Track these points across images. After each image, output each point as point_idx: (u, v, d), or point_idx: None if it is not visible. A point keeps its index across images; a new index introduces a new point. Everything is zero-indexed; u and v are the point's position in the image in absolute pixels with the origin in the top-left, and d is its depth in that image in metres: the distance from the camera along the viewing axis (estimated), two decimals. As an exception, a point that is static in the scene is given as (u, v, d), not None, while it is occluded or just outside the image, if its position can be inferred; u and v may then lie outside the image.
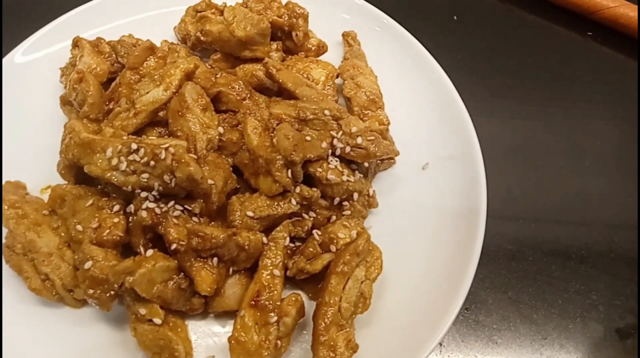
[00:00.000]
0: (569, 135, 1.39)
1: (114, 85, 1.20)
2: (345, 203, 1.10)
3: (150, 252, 0.98)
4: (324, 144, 1.07)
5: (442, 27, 1.56)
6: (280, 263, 1.02)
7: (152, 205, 1.00)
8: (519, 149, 1.36)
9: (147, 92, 1.13)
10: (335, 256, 1.01)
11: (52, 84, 1.30)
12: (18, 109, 1.27)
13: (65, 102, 1.23)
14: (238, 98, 1.19)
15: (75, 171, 1.13)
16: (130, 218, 1.05)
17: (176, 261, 0.99)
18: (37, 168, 1.19)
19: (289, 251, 1.06)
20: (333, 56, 1.37)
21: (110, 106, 1.18)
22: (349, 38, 1.37)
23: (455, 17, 1.59)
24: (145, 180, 0.99)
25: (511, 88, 1.46)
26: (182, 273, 0.99)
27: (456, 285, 1.04)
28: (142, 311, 0.95)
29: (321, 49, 1.35)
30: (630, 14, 1.47)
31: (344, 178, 1.08)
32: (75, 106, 1.18)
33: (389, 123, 1.23)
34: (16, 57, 1.31)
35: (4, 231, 1.07)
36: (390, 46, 1.37)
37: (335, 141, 1.10)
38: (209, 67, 1.29)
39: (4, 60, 1.28)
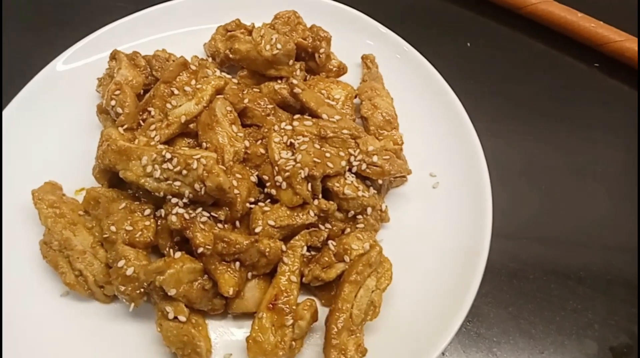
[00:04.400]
0: (574, 159, 1.46)
1: (148, 97, 1.28)
2: (359, 216, 1.18)
3: (178, 254, 1.06)
4: (343, 162, 1.15)
5: (456, 52, 1.64)
6: (297, 270, 1.09)
7: (181, 211, 1.08)
8: (525, 170, 1.43)
9: (180, 105, 1.22)
10: (348, 266, 1.09)
11: (89, 93, 1.39)
12: (55, 115, 1.36)
13: (101, 110, 1.31)
14: (263, 114, 1.28)
15: (110, 176, 1.21)
16: (159, 221, 1.14)
17: (201, 264, 1.07)
18: (72, 171, 1.28)
19: (305, 260, 1.14)
20: (352, 77, 1.46)
21: (144, 117, 1.26)
22: (367, 61, 1.45)
23: (468, 44, 1.67)
24: (177, 187, 1.08)
25: (519, 113, 1.54)
26: (206, 275, 1.07)
27: (460, 298, 1.10)
28: (168, 309, 1.03)
29: (341, 70, 1.43)
30: (634, 48, 1.55)
31: (360, 193, 1.15)
32: (111, 115, 1.27)
33: (402, 143, 1.31)
34: (57, 65, 1.40)
35: (42, 229, 1.15)
36: (406, 70, 1.45)
37: (352, 159, 1.18)
38: (236, 83, 1.37)
39: (46, 67, 1.38)
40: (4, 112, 1.31)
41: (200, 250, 1.05)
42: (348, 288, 1.04)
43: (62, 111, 1.37)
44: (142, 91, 1.34)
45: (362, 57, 1.46)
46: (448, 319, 1.08)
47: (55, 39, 1.50)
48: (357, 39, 1.50)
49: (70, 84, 1.39)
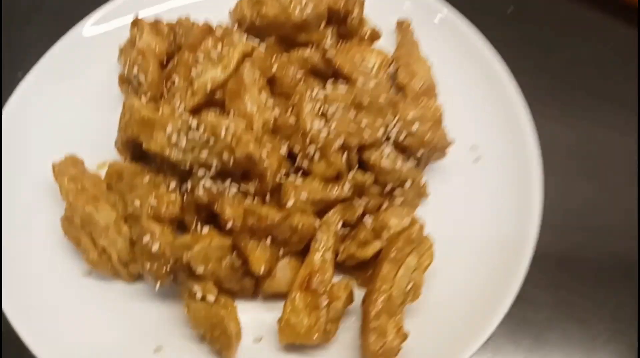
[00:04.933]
0: (628, 142, 1.33)
1: (172, 65, 1.22)
2: (397, 191, 1.10)
3: (206, 229, 0.99)
4: (380, 131, 1.07)
5: (496, 19, 1.52)
6: (332, 248, 1.02)
7: (208, 184, 1.01)
8: (576, 152, 1.31)
9: (205, 73, 1.15)
10: (387, 243, 1.01)
11: (110, 64, 1.33)
12: (75, 88, 1.30)
13: (123, 80, 1.25)
14: (292, 82, 1.20)
15: (133, 149, 1.15)
16: (185, 196, 1.07)
17: (230, 240, 1.00)
18: (93, 145, 1.21)
19: (339, 237, 1.06)
20: (386, 44, 1.36)
21: (168, 86, 1.20)
22: (403, 26, 1.35)
23: (510, 9, 1.55)
24: (204, 158, 1.01)
25: (570, 88, 1.40)
26: (236, 253, 1.01)
27: (506, 282, 1.02)
28: (196, 288, 0.97)
29: (375, 35, 1.34)
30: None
31: (398, 165, 1.07)
32: (133, 84, 1.21)
33: (442, 113, 1.21)
34: (77, 34, 1.34)
35: (63, 205, 1.10)
36: (444, 35, 1.35)
37: (390, 128, 1.09)
38: (264, 50, 1.29)
39: (68, 34, 1.32)
40: (22, 85, 1.25)
41: (229, 225, 0.98)
42: (387, 267, 0.96)
43: (82, 85, 1.30)
44: (165, 60, 1.26)
45: (397, 23, 1.37)
46: (494, 304, 1.00)
47: (74, 7, 1.43)
48: (391, 2, 1.39)
49: (90, 55, 1.33)
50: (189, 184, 1.05)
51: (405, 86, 1.22)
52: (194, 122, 1.01)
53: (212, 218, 1.05)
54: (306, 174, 1.09)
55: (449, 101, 1.24)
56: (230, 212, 0.99)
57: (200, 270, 0.95)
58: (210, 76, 1.13)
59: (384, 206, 1.09)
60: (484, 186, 1.17)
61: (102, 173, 1.16)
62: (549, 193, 1.13)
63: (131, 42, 1.30)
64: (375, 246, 1.02)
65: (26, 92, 1.24)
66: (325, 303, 0.96)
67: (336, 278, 1.03)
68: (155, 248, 0.97)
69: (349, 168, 1.06)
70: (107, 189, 1.13)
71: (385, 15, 1.38)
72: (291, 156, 1.12)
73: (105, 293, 1.06)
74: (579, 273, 1.16)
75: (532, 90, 1.26)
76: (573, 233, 1.20)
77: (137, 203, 1.05)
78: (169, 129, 1.03)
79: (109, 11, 1.37)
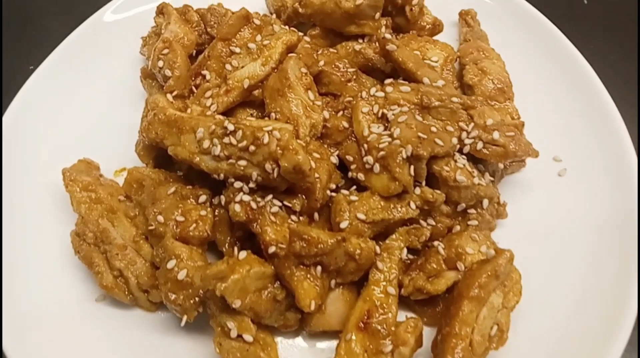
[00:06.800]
0: None
1: (202, 58, 1.06)
2: (472, 210, 0.91)
3: (243, 254, 0.82)
4: (454, 139, 0.88)
5: (571, 11, 1.34)
6: (395, 279, 0.84)
7: (246, 198, 0.84)
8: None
9: (242, 67, 0.98)
10: (464, 276, 0.82)
11: (130, 56, 1.17)
12: (92, 83, 1.15)
13: (146, 75, 1.09)
14: (342, 80, 1.03)
15: (156, 153, 0.99)
16: (217, 211, 0.91)
17: (272, 268, 0.82)
18: (111, 148, 1.07)
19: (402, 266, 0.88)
20: (446, 39, 1.18)
21: (197, 82, 1.03)
22: (467, 17, 1.17)
23: (585, 1, 1.36)
24: (242, 168, 0.83)
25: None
26: (278, 282, 0.83)
27: (612, 324, 0.83)
28: (231, 324, 0.80)
29: (436, 27, 1.16)
30: None
31: (475, 180, 0.88)
32: (158, 79, 1.05)
33: (519, 118, 1.03)
34: (101, 18, 1.19)
35: (74, 217, 0.93)
36: (517, 28, 1.17)
37: (464, 135, 0.91)
38: (308, 41, 1.12)
39: (86, 22, 1.17)
40: (32, 78, 1.10)
41: (272, 249, 0.81)
42: (468, 307, 0.78)
43: (100, 78, 1.16)
44: (194, 52, 1.10)
45: (461, 14, 1.19)
46: (599, 351, 0.80)
47: None
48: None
49: (108, 45, 1.18)
50: (222, 198, 0.88)
51: (475, 86, 1.04)
52: (230, 125, 0.84)
53: (248, 237, 0.88)
54: (361, 188, 0.91)
55: (524, 104, 1.05)
56: (272, 234, 0.82)
57: (236, 304, 0.77)
58: (248, 70, 0.97)
59: (456, 228, 0.91)
60: (572, 204, 0.98)
61: (120, 181, 1.00)
62: None
63: (156, 32, 1.14)
64: (449, 278, 0.84)
65: (36, 86, 1.10)
66: (389, 348, 0.78)
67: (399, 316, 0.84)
68: (181, 275, 0.80)
69: (416, 182, 0.88)
70: (126, 200, 0.96)
71: (443, 5, 1.20)
72: (342, 166, 0.95)
73: (121, 324, 0.90)
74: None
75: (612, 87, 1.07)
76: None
77: (161, 218, 0.88)
78: (199, 132, 0.86)
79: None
